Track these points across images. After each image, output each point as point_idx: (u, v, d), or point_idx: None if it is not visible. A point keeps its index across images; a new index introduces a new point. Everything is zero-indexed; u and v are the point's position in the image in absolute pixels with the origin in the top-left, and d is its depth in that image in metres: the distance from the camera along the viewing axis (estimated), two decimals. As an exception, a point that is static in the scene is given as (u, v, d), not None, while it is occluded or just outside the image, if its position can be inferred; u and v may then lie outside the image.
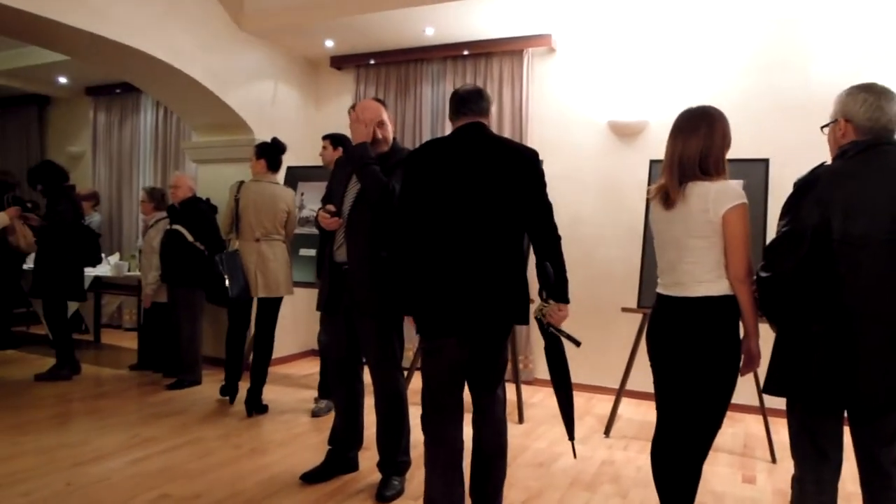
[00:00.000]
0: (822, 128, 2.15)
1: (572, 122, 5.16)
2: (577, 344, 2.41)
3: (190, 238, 4.69)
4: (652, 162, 4.39)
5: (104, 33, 4.24)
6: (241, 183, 4.25)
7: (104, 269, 5.95)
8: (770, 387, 2.04)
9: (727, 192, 2.12)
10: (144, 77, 5.14)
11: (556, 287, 2.42)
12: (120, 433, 3.78)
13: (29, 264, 5.52)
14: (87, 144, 7.79)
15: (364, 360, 3.16)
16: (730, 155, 4.21)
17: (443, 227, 2.43)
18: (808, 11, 4.41)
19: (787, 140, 4.31)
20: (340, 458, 3.21)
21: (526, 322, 2.52)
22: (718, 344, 2.13)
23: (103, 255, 6.13)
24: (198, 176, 5.76)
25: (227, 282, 4.12)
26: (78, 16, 4.05)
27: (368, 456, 3.26)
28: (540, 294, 2.44)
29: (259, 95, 5.53)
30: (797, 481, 2.08)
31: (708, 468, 3.41)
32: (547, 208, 2.49)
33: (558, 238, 2.49)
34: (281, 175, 5.40)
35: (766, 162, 4.05)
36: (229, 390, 4.42)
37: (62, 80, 7.33)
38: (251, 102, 5.45)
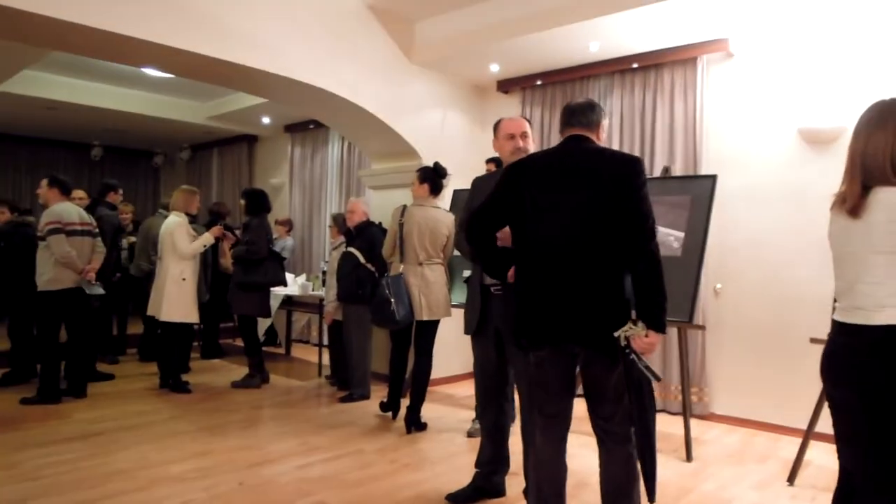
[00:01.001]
0: None
1: (755, 132, 4.70)
2: (657, 379, 2.18)
3: (362, 259, 4.97)
4: (849, 172, 3.87)
5: (289, 75, 4.69)
6: (405, 207, 4.41)
7: (293, 289, 6.53)
8: None
9: None
10: (326, 111, 5.60)
11: (645, 309, 2.20)
12: (292, 439, 4.08)
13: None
14: (285, 176, 8.67)
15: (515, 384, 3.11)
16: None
17: (541, 238, 2.35)
18: None
19: None
20: (486, 481, 3.16)
21: (608, 347, 2.27)
22: (881, 380, 1.78)
23: (292, 275, 6.75)
24: (371, 201, 6.12)
25: (392, 305, 4.28)
26: (265, 61, 4.52)
27: (517, 482, 3.17)
28: (629, 314, 2.23)
29: (428, 123, 5.77)
30: None
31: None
32: (641, 218, 2.25)
33: (652, 252, 2.24)
34: (448, 198, 5.58)
35: None
36: (390, 407, 4.58)
37: (266, 120, 8.27)
38: (421, 130, 5.69)
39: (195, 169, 10.37)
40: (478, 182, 3.24)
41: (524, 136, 2.99)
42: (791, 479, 3.52)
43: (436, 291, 4.29)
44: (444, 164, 4.48)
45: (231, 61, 4.33)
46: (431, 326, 4.36)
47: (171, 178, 10.89)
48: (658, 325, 2.22)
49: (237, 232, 5.99)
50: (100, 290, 4.97)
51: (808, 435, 3.52)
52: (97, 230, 5.11)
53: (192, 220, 5.70)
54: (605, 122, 2.52)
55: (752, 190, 4.65)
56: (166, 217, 5.49)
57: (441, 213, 4.41)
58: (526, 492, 2.94)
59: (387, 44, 5.40)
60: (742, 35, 4.67)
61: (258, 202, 5.59)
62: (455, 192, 5.47)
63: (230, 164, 9.65)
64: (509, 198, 2.45)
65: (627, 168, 2.30)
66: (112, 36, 3.85)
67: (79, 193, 5.95)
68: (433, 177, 4.40)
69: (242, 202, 5.69)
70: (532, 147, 3.01)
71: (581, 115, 2.44)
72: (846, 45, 4.30)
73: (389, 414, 4.62)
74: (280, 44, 4.61)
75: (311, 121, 7.80)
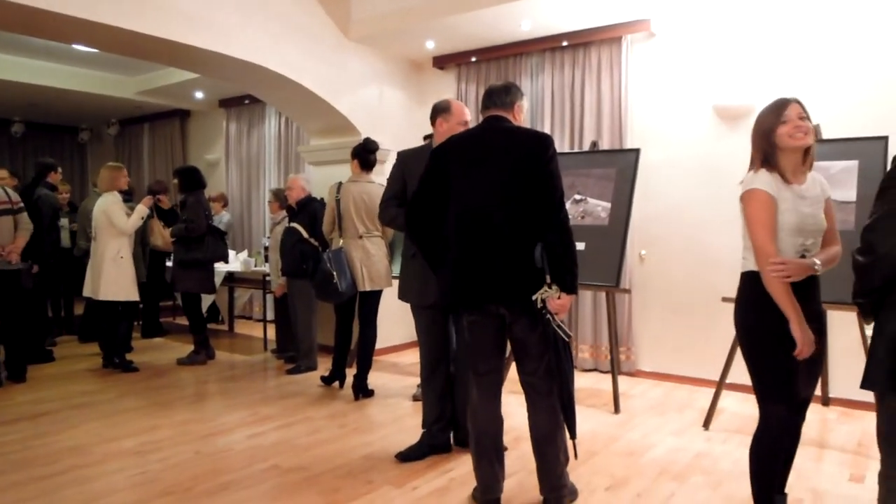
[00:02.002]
0: None
1: (674, 108, 5.03)
2: (569, 337, 2.50)
3: (305, 234, 5.07)
4: (756, 146, 4.24)
5: (225, 52, 4.69)
6: (340, 184, 4.55)
7: (234, 266, 6.55)
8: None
9: (745, 182, 2.28)
10: (264, 89, 5.61)
11: (558, 274, 2.46)
12: (242, 411, 4.20)
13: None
14: (221, 152, 8.57)
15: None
16: (843, 134, 4.01)
17: (462, 212, 2.58)
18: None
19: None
20: (433, 438, 3.40)
21: (527, 305, 2.53)
22: (739, 318, 2.32)
23: (233, 252, 6.77)
24: (312, 177, 6.18)
25: (335, 278, 4.43)
26: (200, 38, 4.52)
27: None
28: (545, 278, 2.48)
29: (366, 98, 5.86)
30: (887, 477, 1.98)
31: (814, 465, 3.30)
32: (550, 191, 2.48)
33: (561, 222, 2.48)
34: (386, 172, 5.72)
35: (884, 140, 3.77)
36: (333, 378, 4.75)
37: (199, 94, 8.13)
38: (359, 105, 5.78)
39: (125, 145, 10.08)
40: (405, 156, 3.42)
41: (466, 123, 3.21)
42: (706, 424, 3.91)
43: (377, 263, 4.47)
44: (382, 139, 4.63)
45: (166, 38, 4.32)
46: (374, 297, 4.54)
47: (99, 154, 10.54)
48: (570, 288, 2.49)
49: (175, 208, 5.98)
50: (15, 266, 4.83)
51: (721, 385, 3.91)
52: (20, 206, 4.95)
53: (128, 198, 5.65)
54: (522, 103, 2.73)
55: (673, 162, 4.99)
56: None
57: (375, 188, 4.54)
58: (461, 440, 3.27)
59: (324, 20, 5.44)
60: (663, 16, 4.96)
61: (192, 179, 5.58)
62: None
63: (162, 140, 9.44)
64: (436, 182, 2.66)
65: (537, 144, 2.53)
66: (39, 12, 3.78)
67: (1, 173, 5.80)
68: (361, 152, 4.56)
69: (176, 181, 5.67)
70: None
71: (496, 97, 2.66)
72: (757, 29, 4.65)
73: (337, 384, 4.78)
74: (216, 20, 4.61)
75: (247, 96, 7.72)
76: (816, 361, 2.30)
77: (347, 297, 4.51)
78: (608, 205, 4.59)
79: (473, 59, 5.93)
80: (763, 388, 2.28)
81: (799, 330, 2.13)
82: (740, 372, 4.58)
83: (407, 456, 3.35)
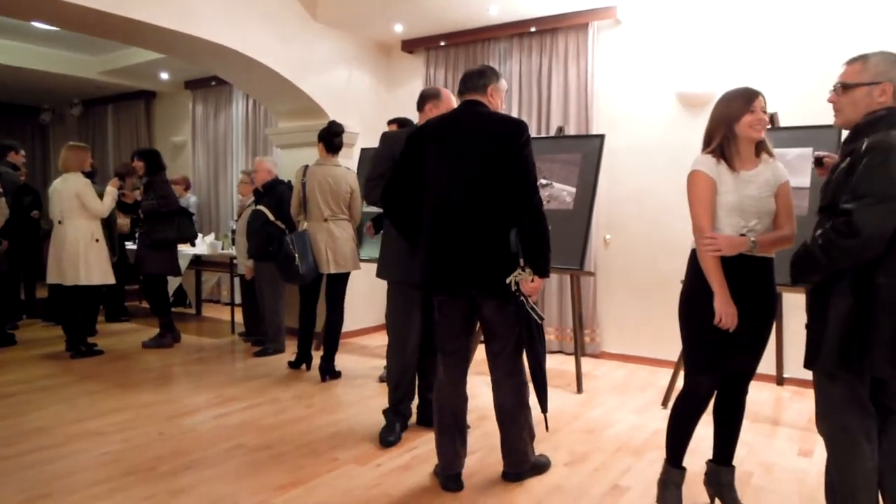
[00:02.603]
0: (854, 86, 2.09)
1: (639, 95, 5.11)
2: (541, 319, 2.59)
3: (271, 217, 5.06)
4: (716, 132, 4.34)
5: (191, 32, 4.63)
6: (306, 167, 4.56)
7: (201, 248, 6.50)
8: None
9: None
10: (229, 70, 5.55)
11: (531, 257, 2.53)
12: (208, 393, 4.20)
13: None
14: (187, 134, 8.45)
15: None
16: (799, 122, 4.12)
17: (438, 196, 2.63)
18: (891, -35, 4.16)
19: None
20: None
21: (499, 290, 2.60)
22: (682, 291, 2.46)
23: (200, 235, 6.71)
24: (280, 160, 6.15)
25: (296, 260, 4.43)
26: (165, 17, 4.45)
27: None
28: (518, 262, 2.54)
29: (334, 81, 5.83)
30: (844, 453, 2.03)
31: (765, 440, 3.43)
32: (524, 176, 2.55)
33: (535, 206, 2.55)
34: (355, 156, 5.72)
35: (837, 128, 3.88)
36: (299, 362, 4.77)
37: (164, 75, 7.98)
38: (327, 89, 5.75)
39: (88, 126, 9.86)
40: (388, 138, 3.40)
41: None
42: (665, 403, 4.02)
43: (342, 246, 4.48)
44: (349, 122, 4.63)
45: (129, 17, 4.25)
46: (340, 280, 4.56)
47: (61, 135, 10.27)
48: (542, 271, 2.57)
49: (137, 193, 5.91)
50: None
51: (679, 366, 4.02)
52: None
53: (91, 179, 5.55)
54: (497, 85, 2.75)
55: (637, 148, 5.08)
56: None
57: (341, 171, 4.56)
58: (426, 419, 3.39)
59: (290, 2, 5.38)
60: (628, 3, 5.03)
61: (156, 160, 5.55)
62: (362, 150, 5.62)
63: (127, 122, 9.26)
64: (412, 165, 2.70)
65: (511, 130, 2.58)
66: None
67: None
68: (326, 136, 4.57)
69: (140, 163, 5.59)
70: None
71: (470, 81, 2.71)
72: (718, 18, 4.74)
73: (304, 366, 4.80)
74: (183, 0, 4.54)
75: (214, 77, 7.61)
76: (756, 338, 2.39)
77: (309, 280, 4.52)
78: (573, 189, 4.67)
79: (442, 43, 5.94)
80: (691, 356, 2.42)
81: (720, 302, 2.26)
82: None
83: (389, 441, 3.33)
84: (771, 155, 2.39)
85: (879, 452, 2.04)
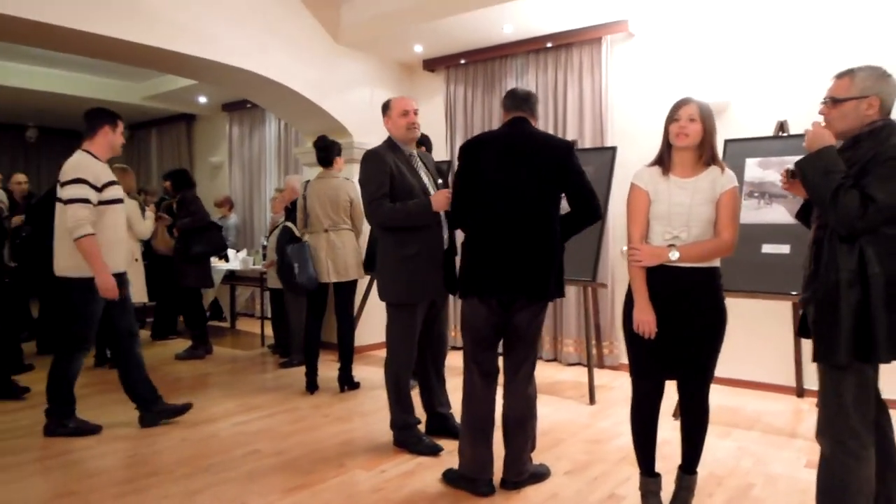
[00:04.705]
0: (843, 101, 2.14)
1: (652, 107, 5.13)
2: None
3: (297, 233, 5.26)
4: (726, 141, 4.37)
5: (218, 59, 4.90)
6: (308, 182, 4.81)
7: (234, 264, 6.77)
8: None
9: None
10: (257, 93, 5.82)
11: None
12: (232, 401, 4.40)
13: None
14: (224, 155, 8.82)
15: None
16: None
17: (491, 208, 2.80)
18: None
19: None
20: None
21: (544, 297, 2.78)
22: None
23: (234, 251, 6.98)
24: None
25: (295, 269, 4.55)
26: (194, 46, 4.73)
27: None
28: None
29: (357, 101, 6.03)
30: (850, 458, 2.05)
31: (774, 452, 3.41)
32: (583, 184, 2.83)
33: (599, 207, 2.87)
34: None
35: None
36: (312, 386, 4.68)
37: (202, 99, 8.37)
38: (350, 108, 5.96)
39: (134, 148, 10.37)
40: (372, 157, 3.42)
41: (415, 112, 3.42)
42: (675, 414, 4.02)
43: (343, 255, 4.62)
44: (373, 140, 4.77)
45: (159, 47, 4.53)
46: (345, 289, 4.67)
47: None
48: None
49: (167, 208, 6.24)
50: None
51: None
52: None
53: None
54: (537, 109, 3.00)
55: (651, 160, 5.09)
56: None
57: (340, 182, 4.71)
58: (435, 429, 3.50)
59: (314, 26, 5.62)
60: (640, 16, 5.09)
61: (185, 179, 5.92)
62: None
63: (169, 144, 9.71)
64: (471, 178, 2.87)
65: (562, 150, 2.83)
66: (37, 24, 4.01)
67: (18, 178, 6.07)
68: (316, 151, 4.78)
69: (168, 183, 5.93)
70: (419, 122, 3.45)
71: (524, 102, 2.92)
72: (729, 28, 4.77)
73: (328, 377, 4.95)
74: (209, 29, 4.81)
75: (248, 100, 7.92)
76: (695, 346, 2.43)
77: (311, 288, 4.60)
78: (586, 202, 4.72)
79: (462, 61, 6.09)
80: (631, 362, 2.54)
81: (637, 310, 2.39)
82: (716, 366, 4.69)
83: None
84: (718, 164, 2.44)
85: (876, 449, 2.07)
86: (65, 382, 3.69)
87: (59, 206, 3.61)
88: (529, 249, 2.75)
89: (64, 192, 3.54)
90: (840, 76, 2.16)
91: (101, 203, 3.61)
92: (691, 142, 2.38)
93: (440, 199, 3.24)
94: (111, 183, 3.71)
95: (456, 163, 3.11)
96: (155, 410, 3.86)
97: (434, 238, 3.35)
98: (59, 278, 3.63)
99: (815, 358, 2.10)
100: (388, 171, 3.33)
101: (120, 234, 3.77)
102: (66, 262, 3.58)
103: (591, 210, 2.85)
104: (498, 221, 2.79)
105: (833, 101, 2.17)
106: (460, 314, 2.97)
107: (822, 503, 2.15)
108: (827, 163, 2.05)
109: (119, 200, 3.76)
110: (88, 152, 3.71)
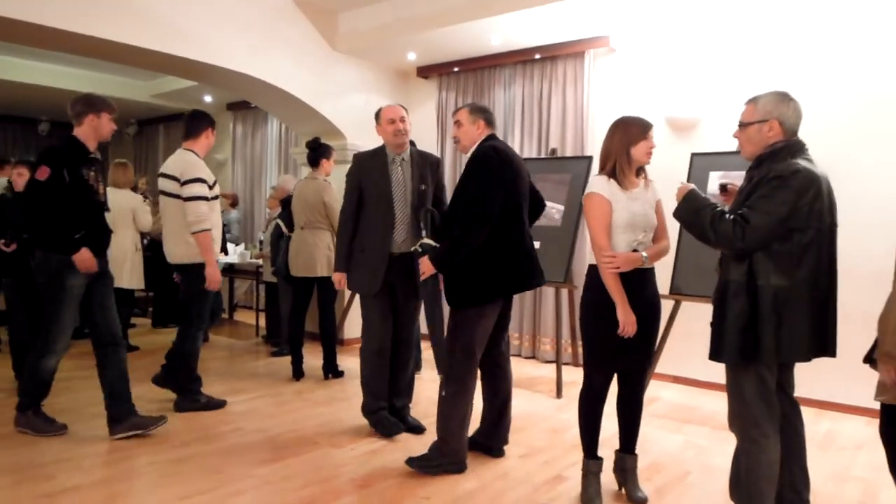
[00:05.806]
0: (748, 125, 2.40)
1: (630, 119, 5.39)
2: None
3: (285, 230, 5.54)
4: (693, 155, 4.62)
5: (219, 63, 5.19)
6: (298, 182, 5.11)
7: (233, 258, 7.07)
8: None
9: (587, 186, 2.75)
10: (257, 95, 6.11)
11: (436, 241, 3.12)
12: (220, 386, 4.68)
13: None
14: (228, 152, 9.12)
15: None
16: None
17: (515, 211, 3.13)
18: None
19: (847, 133, 4.36)
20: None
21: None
22: (581, 301, 2.82)
23: (233, 245, 7.28)
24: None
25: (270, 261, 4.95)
26: (199, 51, 5.03)
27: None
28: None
29: (352, 105, 6.31)
30: (753, 445, 2.31)
31: (717, 446, 3.67)
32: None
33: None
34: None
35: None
36: (298, 373, 5.01)
37: (207, 98, 8.68)
38: (345, 112, 6.24)
39: (142, 143, 10.71)
40: (361, 160, 3.73)
41: (402, 120, 3.63)
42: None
43: (311, 252, 4.90)
44: (367, 143, 5.05)
45: (163, 51, 4.82)
46: (324, 284, 4.89)
47: (118, 151, 11.15)
48: (437, 262, 3.08)
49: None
50: None
51: (649, 374, 4.28)
52: None
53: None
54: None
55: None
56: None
57: (318, 183, 4.99)
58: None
59: (312, 33, 5.91)
60: (621, 33, 5.35)
61: None
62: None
63: (176, 141, 9.94)
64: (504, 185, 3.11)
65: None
66: (43, 29, 4.29)
67: (19, 170, 6.35)
68: (308, 152, 5.09)
69: None
70: (410, 129, 3.67)
71: (494, 118, 3.35)
72: (705, 46, 5.01)
73: (314, 365, 5.24)
74: (209, 34, 5.10)
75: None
76: (645, 340, 2.71)
77: (280, 277, 5.17)
78: (562, 207, 5.00)
79: (455, 69, 6.36)
80: (589, 358, 2.75)
81: (622, 313, 2.57)
82: (675, 364, 4.98)
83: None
84: (646, 177, 2.77)
85: (782, 440, 2.32)
86: (192, 360, 4.10)
87: (167, 200, 3.98)
88: (532, 247, 3.25)
89: (185, 190, 3.89)
90: (748, 102, 2.41)
91: (212, 199, 4.02)
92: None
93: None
94: (214, 182, 4.11)
95: (447, 163, 3.50)
96: (190, 396, 4.13)
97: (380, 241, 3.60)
98: (177, 265, 4.07)
99: (709, 356, 2.35)
100: (357, 184, 3.65)
101: (218, 228, 4.13)
102: (182, 251, 3.99)
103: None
104: (521, 224, 3.15)
105: (740, 126, 2.43)
106: (465, 322, 3.08)
107: (732, 485, 2.42)
108: (694, 204, 2.37)
109: (217, 197, 4.14)
110: (192, 151, 4.09)
